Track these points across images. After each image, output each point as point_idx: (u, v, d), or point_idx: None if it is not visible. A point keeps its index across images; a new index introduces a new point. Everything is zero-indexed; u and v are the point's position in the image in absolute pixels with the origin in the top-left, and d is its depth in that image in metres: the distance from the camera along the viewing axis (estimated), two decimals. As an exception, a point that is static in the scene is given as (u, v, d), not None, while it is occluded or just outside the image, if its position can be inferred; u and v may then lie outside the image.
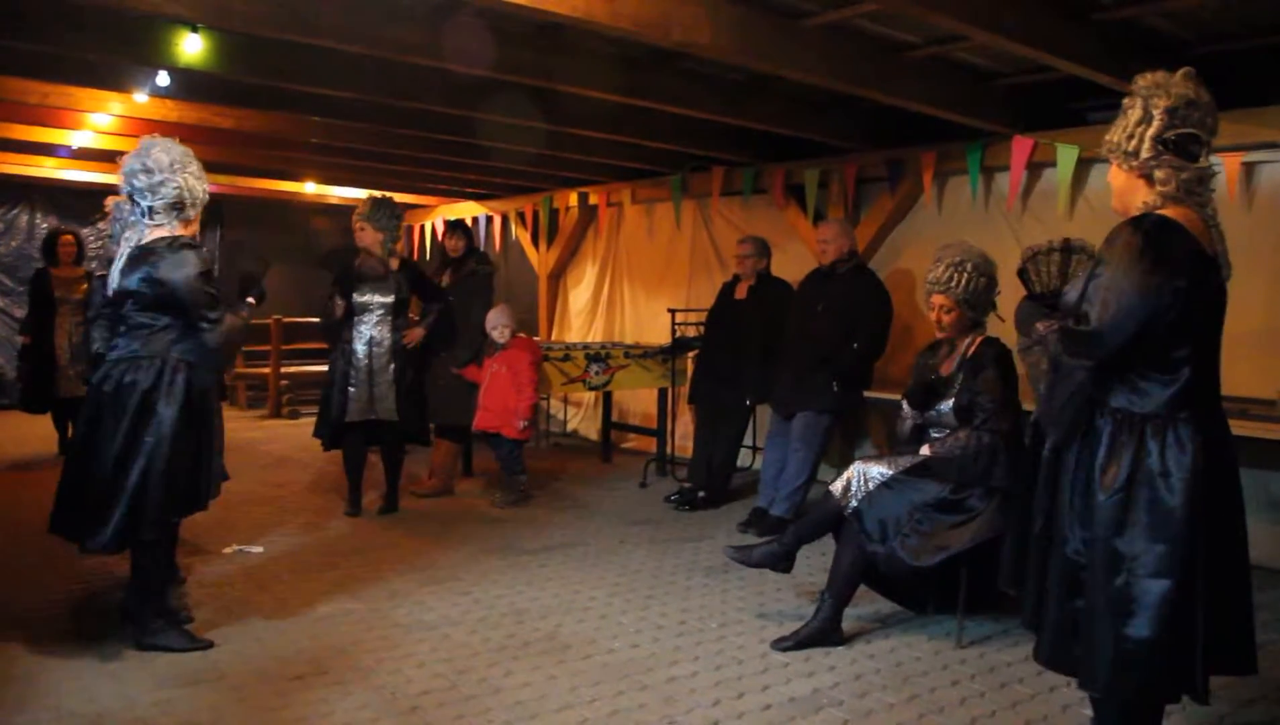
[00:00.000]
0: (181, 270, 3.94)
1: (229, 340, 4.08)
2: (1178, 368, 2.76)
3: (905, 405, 4.63)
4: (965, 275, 4.35)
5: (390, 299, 6.29)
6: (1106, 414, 2.86)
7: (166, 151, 4.00)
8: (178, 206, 4.02)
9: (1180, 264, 2.70)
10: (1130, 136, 2.85)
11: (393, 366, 6.26)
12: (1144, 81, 2.87)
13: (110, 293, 4.09)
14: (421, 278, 6.61)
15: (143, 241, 4.02)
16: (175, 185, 3.99)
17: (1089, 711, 3.60)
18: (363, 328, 6.26)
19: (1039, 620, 3.05)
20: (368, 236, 6.31)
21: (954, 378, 4.42)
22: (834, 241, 6.29)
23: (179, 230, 4.06)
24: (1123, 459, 2.79)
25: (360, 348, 6.24)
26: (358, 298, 6.27)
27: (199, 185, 4.08)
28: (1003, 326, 4.47)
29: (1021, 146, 6.20)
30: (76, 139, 8.16)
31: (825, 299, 6.23)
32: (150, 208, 4.00)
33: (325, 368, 6.48)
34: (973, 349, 4.42)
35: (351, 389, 6.24)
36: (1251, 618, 2.92)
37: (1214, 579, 2.76)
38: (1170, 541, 2.72)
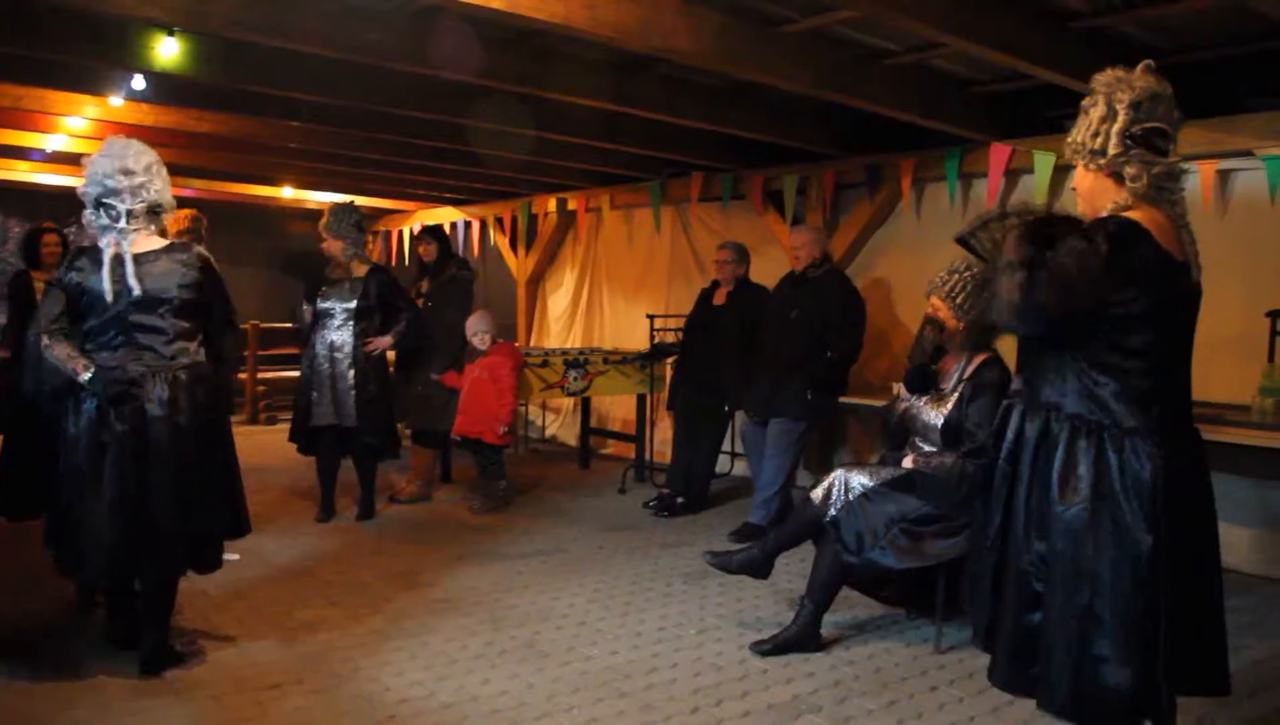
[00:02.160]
0: (219, 276, 3.97)
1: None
2: (1135, 377, 2.66)
3: (901, 388, 4.61)
4: (955, 277, 4.33)
5: (352, 305, 6.28)
6: (1063, 420, 2.74)
7: (144, 152, 3.85)
8: (155, 211, 3.88)
9: (1138, 272, 2.60)
10: (1095, 134, 2.73)
11: (352, 372, 6.23)
12: (1104, 78, 2.76)
13: (131, 299, 3.78)
14: (390, 285, 6.56)
15: (144, 247, 3.86)
16: (156, 189, 3.85)
17: (1067, 717, 3.62)
18: (325, 333, 6.28)
19: (993, 639, 2.93)
20: (329, 244, 6.36)
21: (949, 393, 4.40)
22: (807, 247, 6.31)
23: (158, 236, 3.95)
24: (1082, 469, 2.69)
25: (321, 352, 6.26)
26: (321, 303, 6.31)
27: (168, 191, 3.95)
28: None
29: (999, 153, 6.24)
30: (51, 142, 8.10)
31: (798, 305, 6.25)
32: (129, 212, 3.80)
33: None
34: (972, 368, 4.37)
35: (314, 393, 6.26)
36: (1224, 637, 2.82)
37: (1183, 598, 2.65)
38: (1133, 560, 2.62)
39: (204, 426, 3.91)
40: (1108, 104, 2.73)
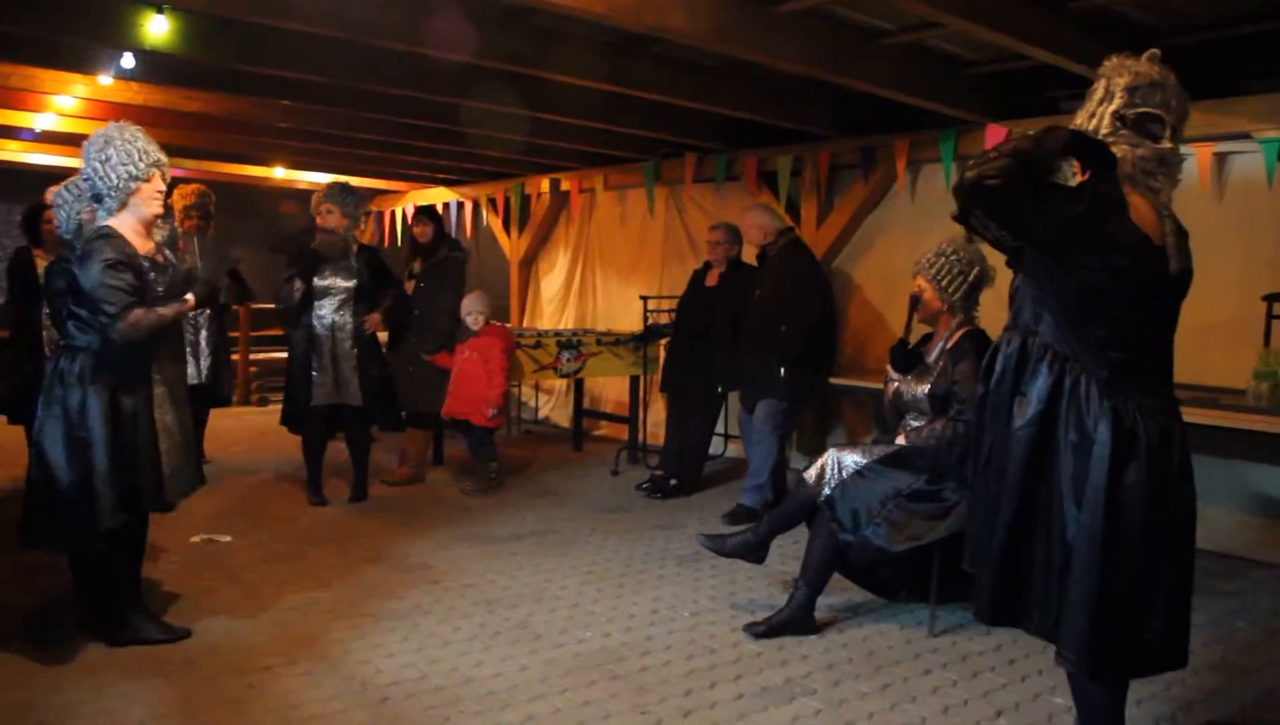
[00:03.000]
0: (89, 262, 3.77)
1: (137, 336, 3.81)
2: (1107, 350, 2.70)
3: (890, 369, 4.62)
4: (943, 260, 4.37)
5: (352, 283, 6.25)
6: (1036, 345, 2.81)
7: (92, 141, 3.86)
8: (95, 197, 3.90)
9: (1108, 240, 2.64)
10: (1092, 115, 2.81)
11: (356, 351, 6.22)
12: (1110, 63, 2.83)
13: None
14: (379, 263, 6.57)
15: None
16: (86, 174, 3.87)
17: (1060, 700, 3.63)
18: (324, 312, 6.21)
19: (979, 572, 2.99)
20: (334, 219, 6.25)
21: (934, 365, 4.42)
22: (755, 229, 6.40)
23: (124, 219, 3.89)
24: (1036, 389, 2.76)
25: (322, 332, 6.20)
26: (319, 281, 6.21)
27: (115, 171, 3.83)
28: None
29: (995, 135, 6.21)
30: (40, 122, 8.03)
31: (761, 285, 6.28)
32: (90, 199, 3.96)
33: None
34: (954, 339, 4.42)
35: (315, 374, 6.20)
36: (1186, 611, 2.81)
37: (1125, 583, 2.68)
38: (1062, 523, 2.74)
39: (47, 415, 3.90)
40: (1106, 86, 2.80)
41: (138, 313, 3.80)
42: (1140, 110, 2.74)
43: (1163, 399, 2.79)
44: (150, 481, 3.96)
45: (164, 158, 3.96)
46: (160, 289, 3.95)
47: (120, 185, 3.83)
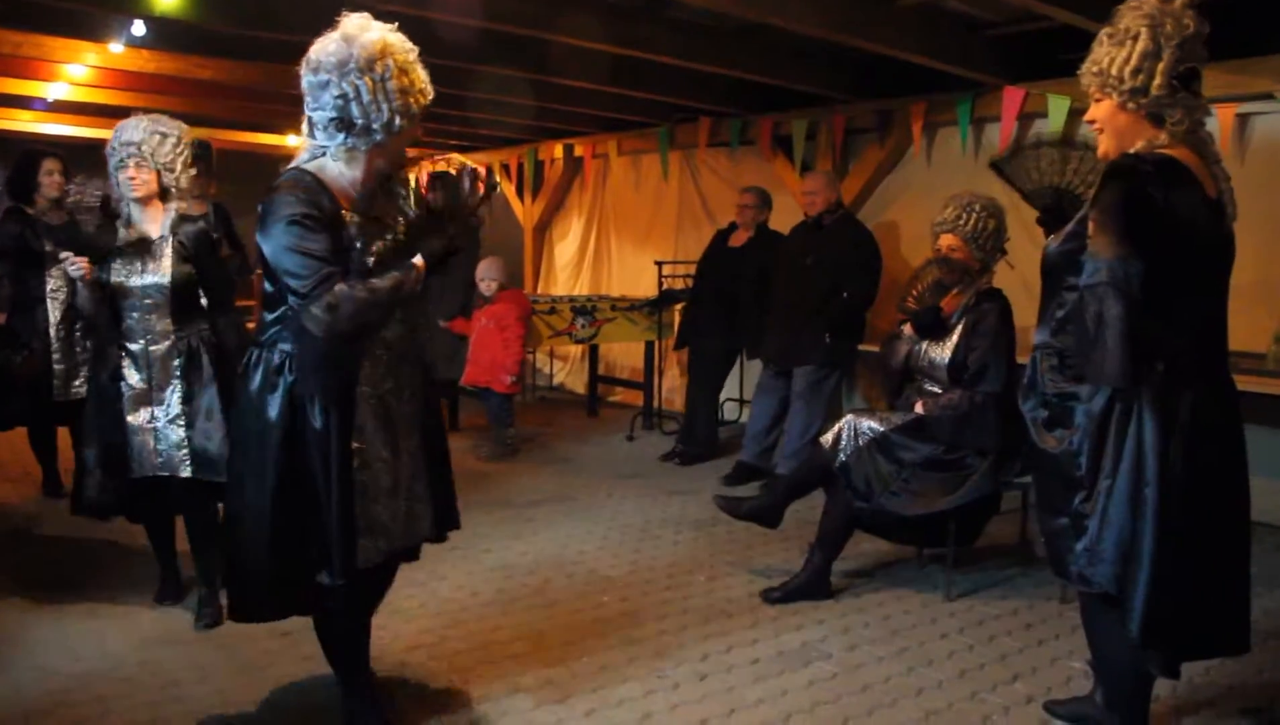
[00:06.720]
0: (271, 216, 2.80)
1: (342, 327, 2.68)
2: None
3: (906, 328, 4.56)
4: (974, 215, 4.30)
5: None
6: None
7: (348, 42, 2.75)
8: (344, 124, 2.79)
9: (1164, 218, 2.53)
10: (1137, 71, 2.55)
11: None
12: (1147, 8, 2.58)
13: None
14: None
15: None
16: (337, 91, 2.75)
17: (1077, 664, 3.63)
18: None
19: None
20: None
21: (953, 328, 4.37)
22: (821, 192, 6.26)
23: (345, 165, 2.89)
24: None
25: None
26: None
27: (392, 102, 2.77)
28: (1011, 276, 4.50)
29: (1012, 97, 6.14)
30: (52, 91, 8.01)
31: (815, 251, 6.20)
32: (310, 120, 2.87)
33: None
34: (973, 301, 4.37)
35: None
36: (1246, 592, 2.83)
37: (1192, 546, 2.68)
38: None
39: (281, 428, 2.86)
40: (1153, 39, 2.55)
41: (341, 288, 2.66)
42: (1188, 65, 2.57)
43: (1215, 377, 2.80)
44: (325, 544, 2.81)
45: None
46: (369, 259, 2.82)
47: (392, 124, 2.81)
